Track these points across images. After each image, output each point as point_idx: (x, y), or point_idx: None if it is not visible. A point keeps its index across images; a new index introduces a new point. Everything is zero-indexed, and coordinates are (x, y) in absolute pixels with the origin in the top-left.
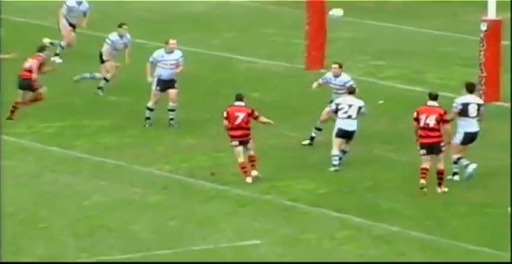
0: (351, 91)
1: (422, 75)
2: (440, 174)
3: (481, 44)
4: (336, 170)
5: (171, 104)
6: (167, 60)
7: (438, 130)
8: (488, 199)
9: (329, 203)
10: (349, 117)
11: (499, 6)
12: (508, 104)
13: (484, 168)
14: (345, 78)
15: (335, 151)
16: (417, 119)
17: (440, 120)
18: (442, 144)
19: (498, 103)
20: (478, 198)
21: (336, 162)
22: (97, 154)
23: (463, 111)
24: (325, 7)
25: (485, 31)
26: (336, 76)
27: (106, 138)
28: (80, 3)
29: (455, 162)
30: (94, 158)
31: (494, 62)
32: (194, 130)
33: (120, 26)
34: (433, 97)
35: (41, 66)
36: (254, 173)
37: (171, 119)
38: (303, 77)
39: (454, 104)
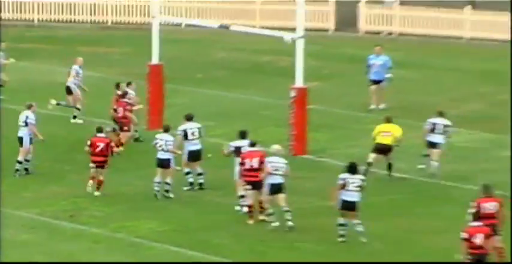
0: (166, 129)
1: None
2: (261, 203)
3: (291, 108)
4: (157, 191)
5: (29, 156)
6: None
7: (260, 170)
8: (301, 236)
9: (169, 239)
10: (162, 150)
11: (306, 77)
12: (313, 157)
13: (299, 210)
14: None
15: (156, 179)
16: (243, 163)
17: (262, 161)
18: (263, 182)
19: (304, 156)
20: (293, 235)
21: (156, 188)
22: None
23: (236, 152)
24: (163, 78)
25: (294, 97)
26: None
27: None
28: None
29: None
30: None
31: (301, 122)
32: (57, 179)
33: (129, 83)
34: (253, 145)
35: (128, 105)
36: (96, 193)
37: (26, 169)
38: (146, 136)
39: (228, 146)
